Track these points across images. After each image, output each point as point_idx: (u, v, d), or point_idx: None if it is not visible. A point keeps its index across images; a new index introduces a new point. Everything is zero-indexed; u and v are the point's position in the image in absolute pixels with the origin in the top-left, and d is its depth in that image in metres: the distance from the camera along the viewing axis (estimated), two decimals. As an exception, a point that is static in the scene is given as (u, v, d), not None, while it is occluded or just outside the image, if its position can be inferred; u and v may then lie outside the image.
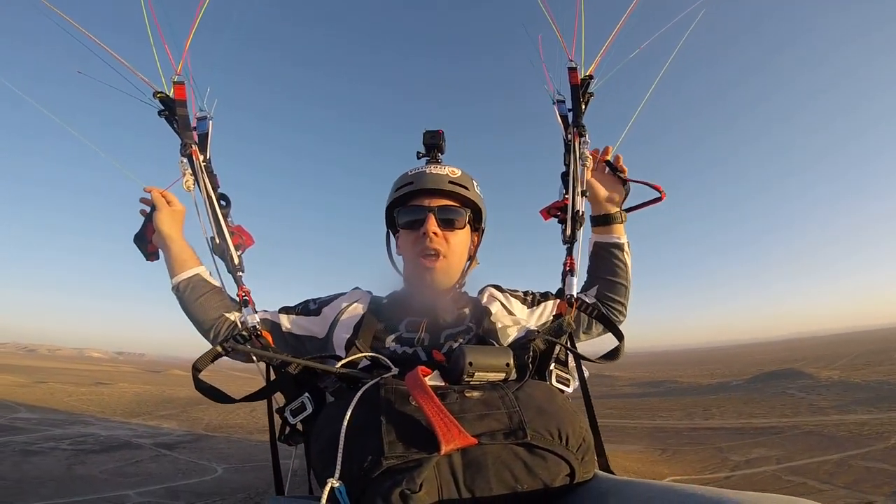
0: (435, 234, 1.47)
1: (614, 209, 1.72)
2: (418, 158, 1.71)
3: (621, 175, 1.71)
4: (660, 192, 1.69)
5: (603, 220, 1.71)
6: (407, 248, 1.55)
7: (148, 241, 1.67)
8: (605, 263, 1.71)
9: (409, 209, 1.53)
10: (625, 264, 1.70)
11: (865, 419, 8.42)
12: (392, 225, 1.64)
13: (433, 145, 1.70)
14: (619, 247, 1.70)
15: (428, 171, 1.53)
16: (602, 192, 1.72)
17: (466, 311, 1.52)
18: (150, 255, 1.68)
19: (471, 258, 1.65)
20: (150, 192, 1.64)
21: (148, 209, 1.66)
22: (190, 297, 1.57)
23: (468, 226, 1.58)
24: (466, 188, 1.54)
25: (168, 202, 1.62)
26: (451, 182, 1.51)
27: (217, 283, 1.64)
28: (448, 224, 1.51)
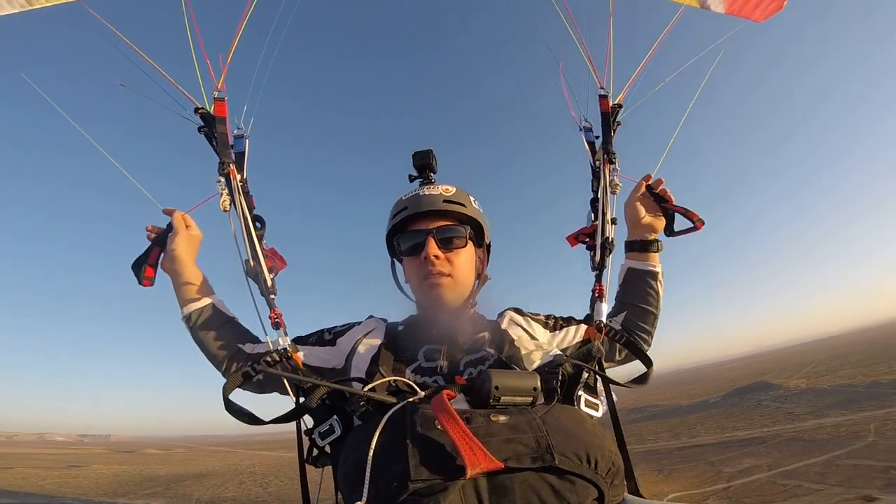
0: (436, 256, 1.42)
1: (653, 236, 1.68)
2: (410, 181, 1.65)
3: (665, 204, 1.66)
4: (695, 222, 1.63)
5: (640, 247, 1.66)
6: (412, 273, 1.50)
7: (147, 265, 1.57)
8: (637, 290, 1.65)
9: (407, 234, 1.48)
10: (657, 293, 1.66)
11: (840, 421, 8.81)
12: (395, 253, 1.59)
13: (424, 166, 1.63)
14: (654, 275, 1.66)
15: (422, 193, 1.48)
16: (644, 217, 1.67)
17: (485, 335, 1.45)
18: (145, 279, 1.57)
19: (479, 275, 1.57)
20: (170, 213, 1.57)
21: (153, 235, 1.58)
22: (202, 328, 1.51)
23: (470, 242, 1.51)
24: (463, 205, 1.49)
25: (186, 226, 1.56)
26: (445, 201, 1.46)
27: (231, 314, 1.59)
28: (448, 244, 1.45)
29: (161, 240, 1.56)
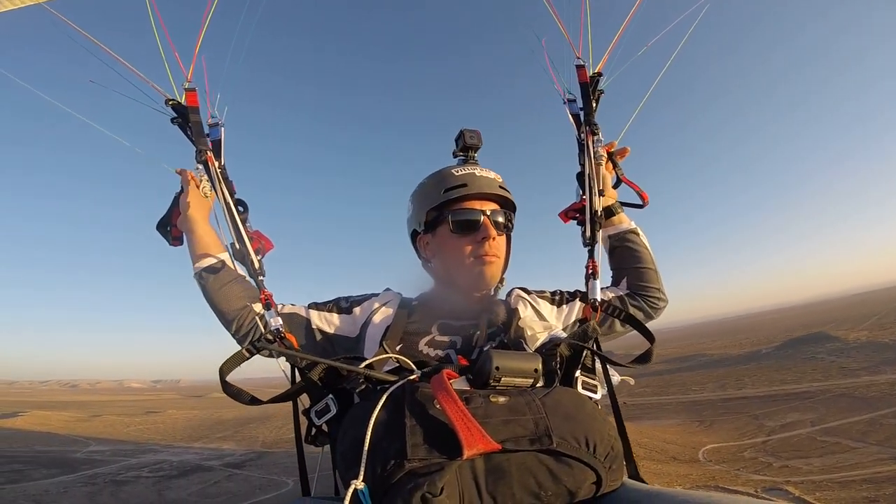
0: (493, 238, 1.47)
1: (611, 201, 1.70)
2: (454, 157, 1.65)
3: (618, 173, 1.72)
4: (644, 200, 1.71)
5: (606, 213, 1.65)
6: (459, 250, 1.49)
7: (172, 226, 1.63)
8: (627, 253, 1.66)
9: (465, 211, 1.49)
10: (646, 248, 1.67)
11: (895, 378, 8.56)
12: (432, 225, 1.56)
13: (473, 146, 1.62)
14: (634, 232, 1.68)
15: (478, 174, 1.51)
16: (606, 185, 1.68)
17: (500, 313, 1.49)
18: (175, 239, 1.64)
19: (507, 260, 1.63)
20: (181, 173, 1.59)
21: (186, 174, 1.60)
22: (214, 284, 1.51)
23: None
24: (510, 193, 1.55)
25: (198, 185, 1.57)
26: (500, 187, 1.52)
27: (241, 272, 1.60)
28: (500, 229, 1.51)
29: (176, 200, 1.61)
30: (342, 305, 1.58)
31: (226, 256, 1.58)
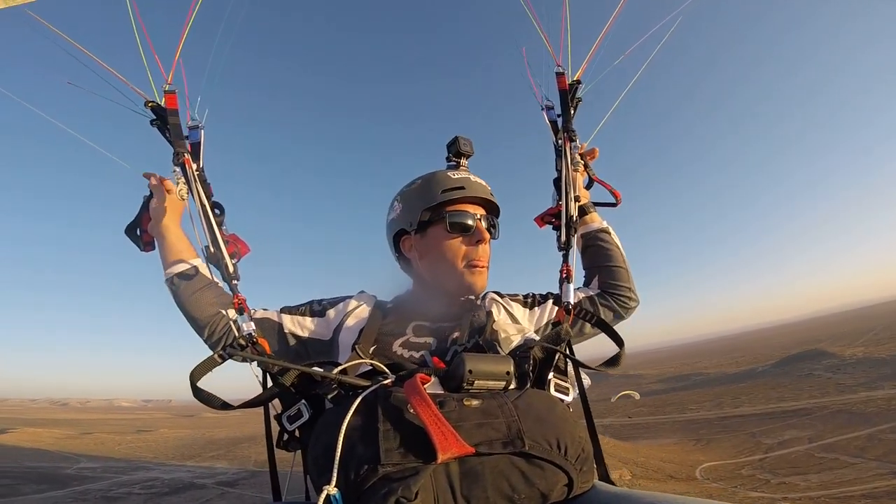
0: (486, 242, 1.52)
1: (584, 200, 1.71)
2: (448, 162, 1.68)
3: (590, 173, 1.76)
4: (616, 198, 1.76)
5: (579, 212, 1.65)
6: (452, 252, 1.51)
7: (143, 231, 1.60)
8: (598, 251, 1.70)
9: (461, 213, 1.51)
10: (617, 247, 1.70)
11: (893, 394, 8.53)
12: (423, 224, 1.55)
13: (465, 153, 1.66)
14: (606, 231, 1.72)
15: (472, 179, 1.55)
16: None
17: (476, 316, 1.49)
18: (146, 245, 1.61)
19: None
20: (148, 178, 1.57)
21: (154, 181, 1.59)
22: (185, 290, 1.50)
23: None
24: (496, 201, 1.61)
25: (167, 191, 1.55)
26: (490, 193, 1.57)
27: (214, 278, 1.58)
28: (491, 233, 1.56)
29: (146, 204, 1.59)
30: (315, 308, 1.57)
31: (199, 262, 1.57)
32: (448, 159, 1.68)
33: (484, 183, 1.58)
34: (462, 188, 1.51)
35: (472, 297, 1.58)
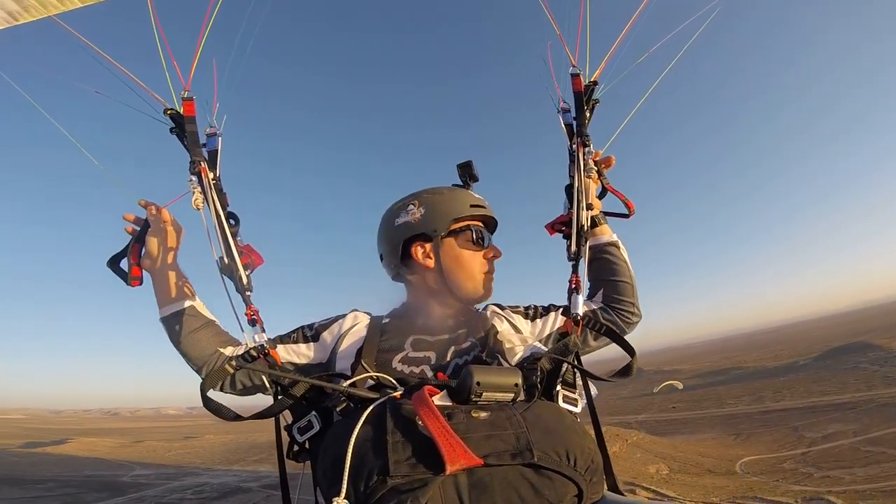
0: (498, 257, 1.64)
1: (597, 210, 1.68)
2: (463, 184, 1.73)
3: (604, 182, 1.70)
4: (630, 209, 1.70)
5: (590, 223, 1.62)
6: (473, 260, 1.57)
7: (131, 264, 1.52)
8: (605, 265, 1.67)
9: (483, 229, 1.62)
10: (624, 261, 1.67)
11: (944, 386, 8.21)
12: (435, 235, 1.55)
13: (474, 178, 1.71)
14: (615, 244, 1.69)
15: (485, 202, 1.64)
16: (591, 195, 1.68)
17: (476, 327, 1.51)
18: (134, 279, 1.52)
19: None
20: (145, 207, 1.51)
21: (134, 227, 1.55)
22: (181, 330, 1.49)
23: None
24: None
25: (165, 221, 1.50)
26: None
27: (211, 317, 1.57)
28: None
29: (141, 236, 1.53)
30: (307, 333, 1.56)
31: (196, 303, 1.56)
32: (462, 180, 1.72)
33: (489, 205, 1.67)
34: (482, 206, 1.61)
35: (475, 308, 1.64)
